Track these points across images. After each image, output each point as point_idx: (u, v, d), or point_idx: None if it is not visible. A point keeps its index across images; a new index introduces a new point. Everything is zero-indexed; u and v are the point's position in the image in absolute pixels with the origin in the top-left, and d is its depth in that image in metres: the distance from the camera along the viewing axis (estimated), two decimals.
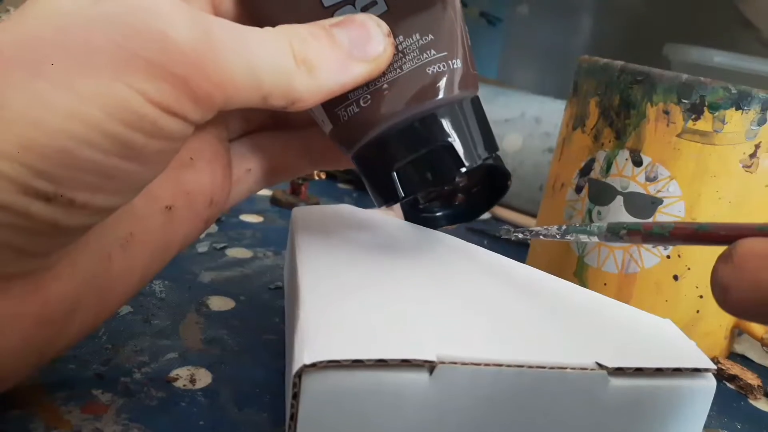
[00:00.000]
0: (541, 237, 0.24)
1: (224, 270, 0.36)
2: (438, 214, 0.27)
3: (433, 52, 0.22)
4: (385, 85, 0.22)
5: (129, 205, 0.20)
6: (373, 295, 0.22)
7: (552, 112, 0.55)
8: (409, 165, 0.22)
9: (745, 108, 0.29)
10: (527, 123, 0.56)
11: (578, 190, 0.34)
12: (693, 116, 0.30)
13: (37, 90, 0.15)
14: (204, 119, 0.18)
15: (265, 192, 0.53)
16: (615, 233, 0.21)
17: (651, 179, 0.31)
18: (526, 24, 0.79)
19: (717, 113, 0.29)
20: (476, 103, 0.23)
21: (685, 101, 0.30)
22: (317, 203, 0.51)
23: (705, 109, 0.30)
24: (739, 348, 0.36)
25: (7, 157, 0.14)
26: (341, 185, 0.60)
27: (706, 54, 0.58)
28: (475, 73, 0.23)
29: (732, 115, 0.29)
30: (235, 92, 0.17)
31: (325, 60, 0.19)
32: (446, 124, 0.22)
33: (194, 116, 0.17)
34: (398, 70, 0.22)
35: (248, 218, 0.46)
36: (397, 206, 0.50)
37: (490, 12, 0.85)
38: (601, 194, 0.32)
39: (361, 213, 0.33)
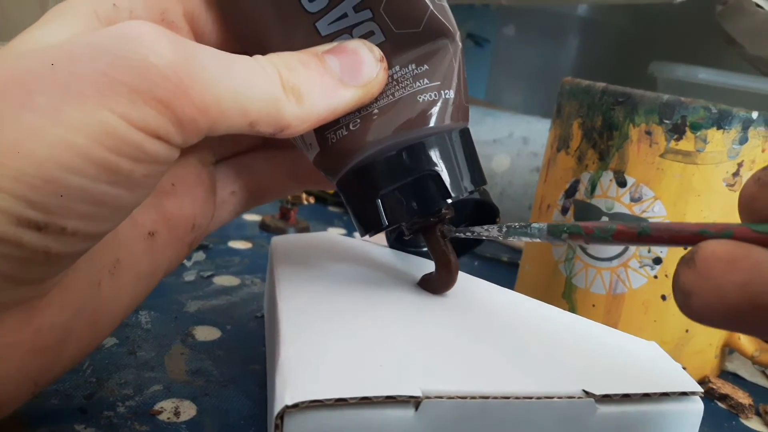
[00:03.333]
0: (483, 237, 0.23)
1: (211, 299, 0.36)
2: (425, 249, 0.27)
3: (426, 81, 0.21)
4: (376, 111, 0.21)
5: (114, 232, 0.20)
6: (355, 329, 0.22)
7: (539, 132, 0.55)
8: (394, 193, 0.22)
9: (726, 127, 0.29)
10: (515, 143, 0.56)
11: (564, 211, 0.34)
12: (675, 136, 0.30)
13: (25, 122, 0.15)
14: (189, 143, 0.18)
15: (254, 217, 0.53)
16: (556, 235, 0.20)
17: (636, 200, 0.31)
18: (513, 45, 0.79)
19: (699, 133, 0.30)
20: (466, 135, 0.23)
21: (667, 122, 0.30)
22: (307, 228, 0.51)
23: (687, 129, 0.30)
24: (731, 366, 0.36)
25: None
26: (331, 208, 0.60)
27: (691, 71, 0.59)
28: (467, 106, 0.23)
29: (713, 135, 0.30)
30: (221, 118, 0.18)
31: (314, 87, 0.20)
32: (434, 154, 0.21)
33: (179, 140, 0.17)
34: (390, 97, 0.21)
35: (236, 245, 0.46)
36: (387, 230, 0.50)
37: (477, 33, 0.86)
38: (587, 215, 0.32)
39: (342, 241, 0.32)
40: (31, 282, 0.17)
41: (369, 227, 0.23)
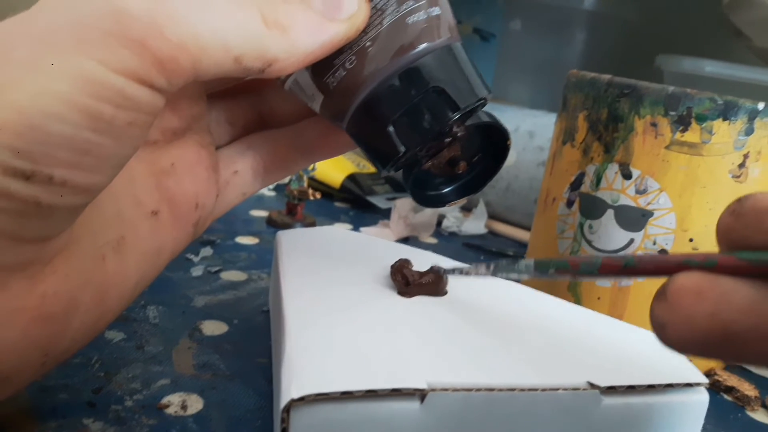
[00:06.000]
0: (471, 276, 0.24)
1: (218, 293, 0.36)
2: (444, 190, 0.26)
3: (410, 2, 0.21)
4: (368, 43, 0.21)
5: (117, 210, 0.21)
6: (360, 322, 0.22)
7: (545, 126, 0.55)
8: (403, 117, 0.22)
9: (732, 118, 0.29)
10: (521, 137, 0.56)
11: (569, 204, 0.34)
12: (680, 128, 0.30)
13: (5, 75, 0.15)
14: (174, 85, 0.18)
15: (261, 213, 0.53)
16: (543, 271, 0.20)
17: (641, 192, 0.31)
18: (519, 39, 0.79)
19: (704, 124, 0.29)
20: (461, 50, 0.23)
21: (672, 113, 0.30)
22: (313, 223, 0.51)
23: (692, 120, 0.30)
24: None
25: None
26: (338, 204, 0.60)
27: (698, 64, 0.58)
28: (456, 22, 0.23)
29: (719, 126, 0.29)
30: (203, 54, 0.18)
31: (297, 21, 0.20)
32: (433, 71, 0.22)
33: (162, 82, 0.17)
34: (379, 27, 0.21)
35: (244, 240, 0.46)
36: (393, 224, 0.50)
37: (483, 28, 0.86)
38: (592, 208, 0.32)
39: (346, 235, 0.32)
40: (30, 240, 0.17)
41: (386, 159, 0.22)
